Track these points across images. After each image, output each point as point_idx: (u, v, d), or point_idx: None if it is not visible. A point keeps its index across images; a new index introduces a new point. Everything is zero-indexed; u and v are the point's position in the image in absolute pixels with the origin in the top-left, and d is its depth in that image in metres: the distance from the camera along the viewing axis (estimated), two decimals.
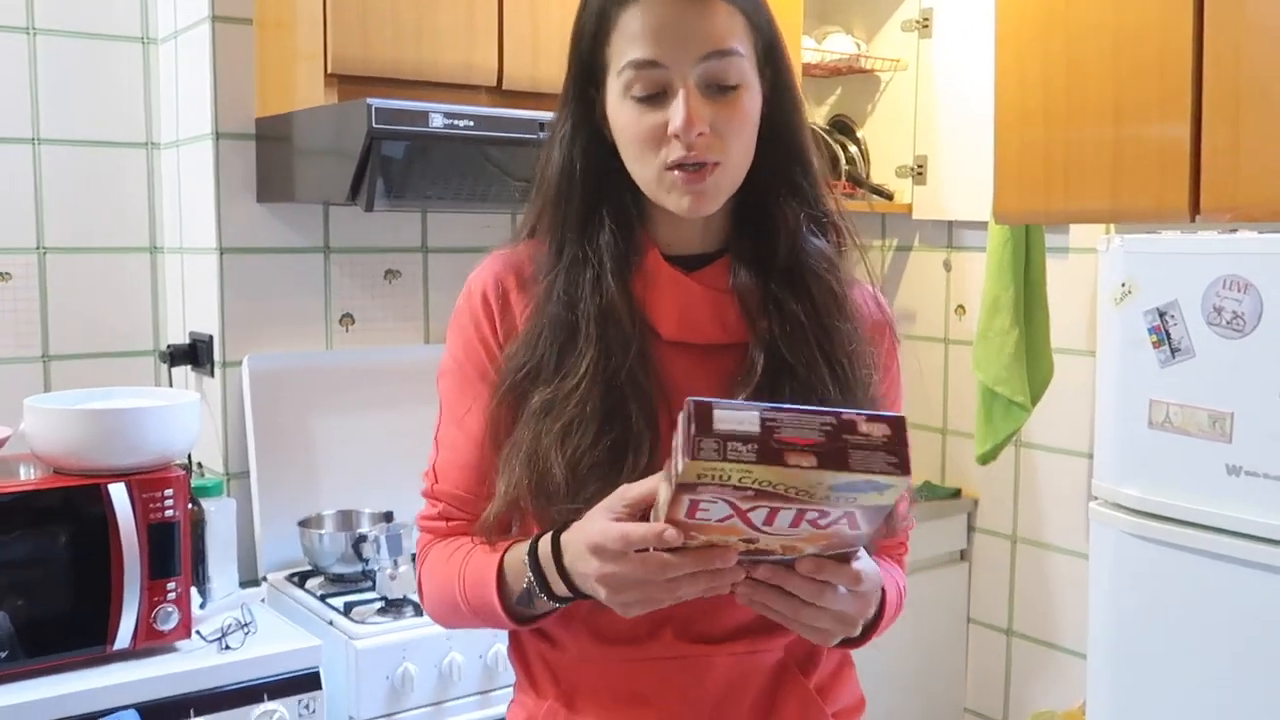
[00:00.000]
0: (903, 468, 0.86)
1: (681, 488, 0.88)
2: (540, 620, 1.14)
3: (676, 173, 1.09)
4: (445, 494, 1.21)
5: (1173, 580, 2.09)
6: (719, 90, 1.08)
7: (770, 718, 1.16)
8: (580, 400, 1.08)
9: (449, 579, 1.18)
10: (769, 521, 0.90)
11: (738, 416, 0.86)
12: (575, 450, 1.07)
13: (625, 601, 0.99)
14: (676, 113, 1.06)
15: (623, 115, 1.11)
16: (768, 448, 0.85)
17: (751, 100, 1.11)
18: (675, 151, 1.08)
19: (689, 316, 1.15)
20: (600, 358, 1.10)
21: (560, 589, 1.06)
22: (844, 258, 1.19)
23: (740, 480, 0.86)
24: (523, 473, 1.09)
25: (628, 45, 1.09)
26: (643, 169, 1.11)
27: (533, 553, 1.08)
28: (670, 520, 0.92)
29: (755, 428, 0.85)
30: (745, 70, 1.10)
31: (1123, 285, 2.15)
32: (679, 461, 0.87)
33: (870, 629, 1.14)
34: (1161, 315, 2.09)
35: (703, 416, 0.85)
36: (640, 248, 1.16)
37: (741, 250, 1.16)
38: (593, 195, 1.15)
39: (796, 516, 0.90)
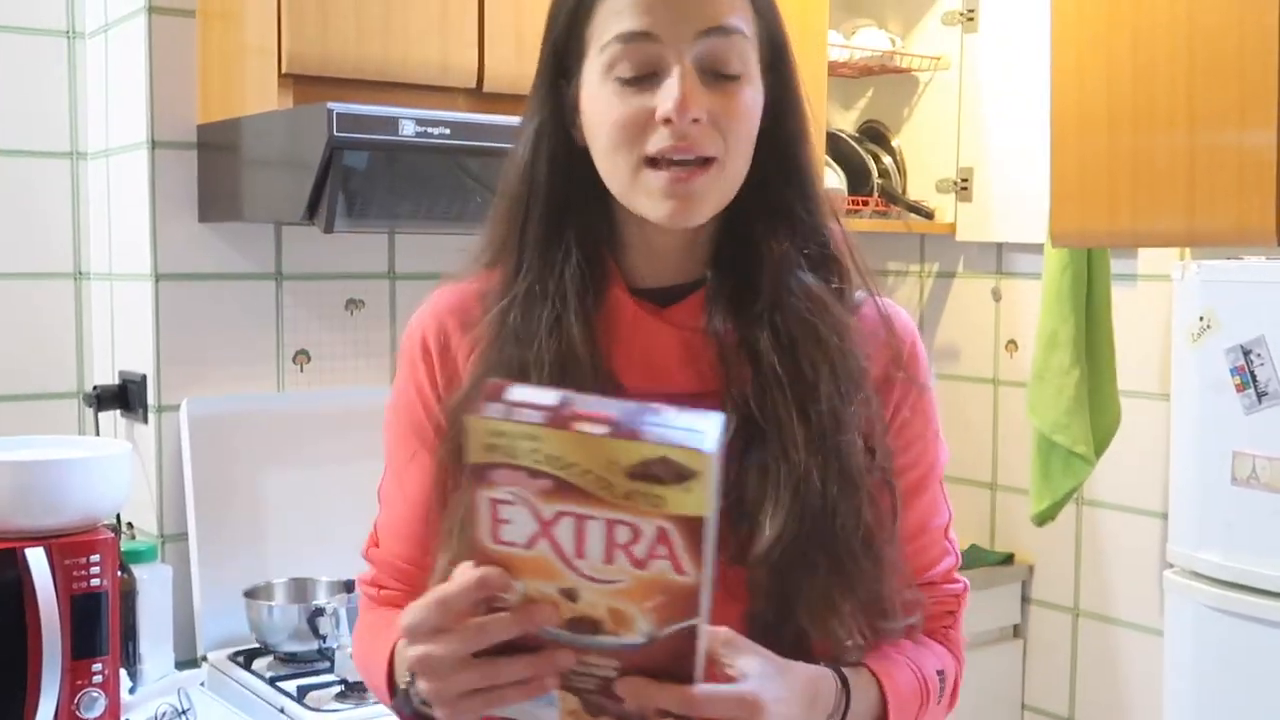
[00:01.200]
0: (700, 442, 0.88)
1: (475, 473, 0.89)
2: None
3: (660, 171, 1.07)
4: (381, 561, 1.24)
5: (1261, 660, 2.10)
6: (719, 78, 1.07)
7: None
8: None
9: (362, 658, 1.21)
10: (579, 548, 0.90)
11: (537, 393, 0.92)
12: None
13: (448, 697, 0.95)
14: (668, 93, 1.05)
15: (600, 100, 1.09)
16: (557, 416, 0.89)
17: (754, 96, 1.10)
18: (661, 140, 1.06)
19: (657, 364, 1.14)
20: None
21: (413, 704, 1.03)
22: (843, 299, 1.17)
23: (532, 457, 0.88)
24: (461, 549, 1.06)
25: (614, 18, 1.07)
26: (616, 164, 1.09)
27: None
28: (477, 546, 0.92)
29: (552, 401, 0.90)
30: (749, 58, 1.09)
31: (1201, 319, 2.17)
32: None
33: None
34: (1246, 354, 2.10)
35: (495, 390, 0.91)
36: (606, 279, 1.15)
37: (720, 285, 1.14)
38: (557, 211, 1.14)
39: (607, 538, 0.90)
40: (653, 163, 1.07)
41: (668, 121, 1.05)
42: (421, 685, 0.96)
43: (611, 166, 1.10)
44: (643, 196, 1.09)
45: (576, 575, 0.91)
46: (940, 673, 1.18)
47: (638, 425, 0.89)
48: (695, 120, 1.05)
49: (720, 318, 1.13)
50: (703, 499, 0.88)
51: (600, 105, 1.09)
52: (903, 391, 1.19)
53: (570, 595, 0.92)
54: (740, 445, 1.09)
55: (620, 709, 0.95)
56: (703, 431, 0.89)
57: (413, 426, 1.20)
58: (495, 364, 1.12)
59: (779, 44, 1.14)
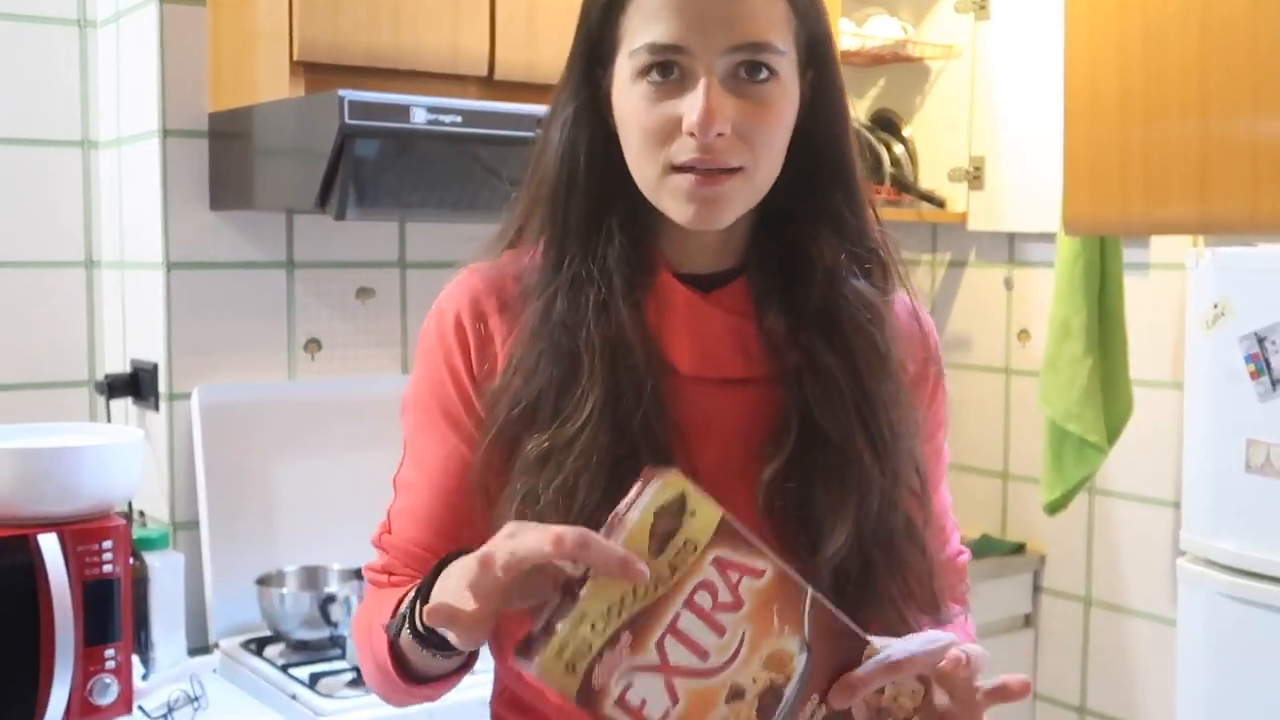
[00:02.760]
0: (660, 473, 0.93)
1: (587, 699, 0.91)
2: (440, 683, 1.11)
3: (685, 175, 1.06)
4: (394, 547, 1.21)
5: (1276, 648, 2.09)
6: (748, 83, 1.06)
7: None
8: (584, 450, 1.06)
9: (363, 632, 1.18)
10: (698, 650, 0.93)
11: (546, 610, 0.94)
12: (579, 511, 1.04)
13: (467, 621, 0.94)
14: (694, 105, 1.04)
15: (630, 101, 1.08)
16: (570, 582, 0.93)
17: (786, 100, 1.09)
18: (686, 151, 1.05)
19: (709, 348, 1.13)
20: (608, 399, 1.07)
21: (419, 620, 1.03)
22: (888, 303, 1.17)
23: (601, 635, 0.90)
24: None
25: (646, 22, 1.07)
26: (644, 166, 1.09)
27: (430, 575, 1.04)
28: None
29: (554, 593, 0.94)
30: (781, 67, 1.08)
31: (1215, 307, 2.16)
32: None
33: None
34: (1260, 341, 2.10)
35: (524, 641, 0.93)
36: (650, 265, 1.14)
37: (765, 281, 1.14)
38: (598, 197, 1.13)
39: (700, 618, 0.93)
40: (678, 168, 1.07)
41: (690, 134, 1.05)
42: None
43: (638, 167, 1.10)
44: (668, 199, 1.09)
45: (721, 673, 0.94)
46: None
47: (614, 524, 0.93)
48: (720, 134, 1.05)
49: (773, 315, 1.13)
50: (709, 507, 0.94)
51: (629, 106, 1.09)
52: (933, 387, 1.22)
53: (738, 694, 0.94)
54: (801, 449, 1.10)
55: None
56: (650, 480, 0.93)
57: (442, 409, 1.17)
58: (545, 351, 1.10)
59: (820, 41, 1.13)
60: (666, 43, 1.05)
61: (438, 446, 1.18)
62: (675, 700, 0.92)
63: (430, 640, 1.03)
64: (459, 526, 1.16)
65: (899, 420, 1.13)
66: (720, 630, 0.93)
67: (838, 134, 1.15)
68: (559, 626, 0.90)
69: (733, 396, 1.13)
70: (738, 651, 0.94)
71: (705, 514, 0.93)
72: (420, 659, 1.07)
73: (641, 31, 1.07)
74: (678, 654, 0.92)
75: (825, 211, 1.15)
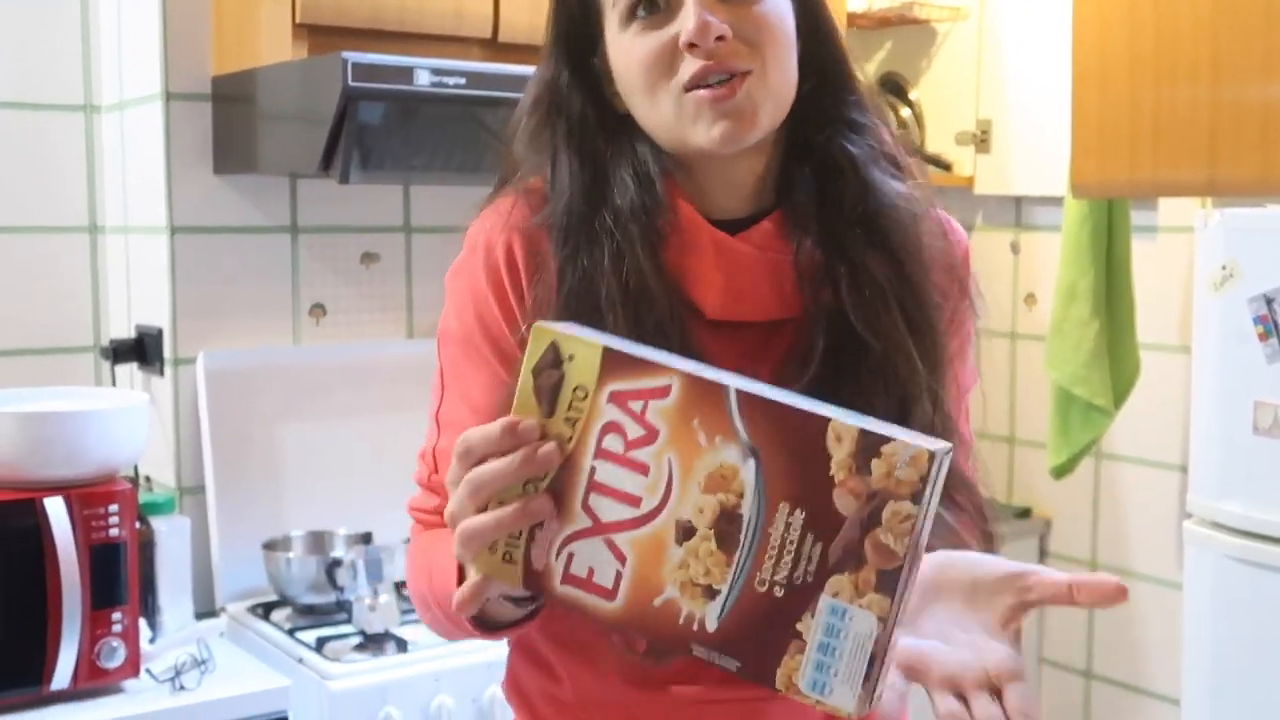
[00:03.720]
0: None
1: (533, 586, 0.86)
2: (513, 628, 1.06)
3: (700, 92, 1.04)
4: (441, 487, 1.11)
5: None
6: None
7: None
8: None
9: (420, 573, 1.14)
10: (616, 495, 0.85)
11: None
12: None
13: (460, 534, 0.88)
14: (688, 17, 1.02)
15: (624, 48, 1.07)
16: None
17: (776, 3, 1.07)
18: (691, 66, 1.03)
19: (738, 288, 1.09)
20: None
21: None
22: (916, 199, 1.14)
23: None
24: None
25: None
26: (657, 105, 1.06)
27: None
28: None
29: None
30: None
31: (1223, 268, 2.15)
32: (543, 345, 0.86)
33: None
34: (1269, 303, 2.09)
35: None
36: (667, 206, 1.10)
37: (798, 209, 1.11)
38: (600, 154, 1.11)
39: (616, 460, 0.85)
40: (690, 89, 1.04)
41: (692, 47, 1.03)
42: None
43: (653, 110, 1.07)
44: (690, 127, 1.05)
45: (660, 515, 0.85)
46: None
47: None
48: (720, 38, 1.02)
49: (809, 242, 1.09)
50: (584, 345, 0.85)
51: (624, 53, 1.07)
52: (958, 299, 1.17)
53: (688, 533, 0.84)
54: (832, 368, 1.06)
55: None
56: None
57: (489, 338, 1.12)
58: (567, 313, 1.07)
59: None
60: None
61: (485, 377, 1.13)
62: (622, 559, 0.85)
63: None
64: None
65: (944, 326, 1.10)
66: (644, 469, 0.84)
67: (832, 39, 1.13)
68: None
69: (768, 342, 1.10)
70: (669, 485, 0.84)
71: (584, 353, 0.85)
72: (495, 611, 1.02)
73: None
74: (607, 510, 0.85)
75: (838, 118, 1.13)
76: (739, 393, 0.83)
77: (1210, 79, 2.31)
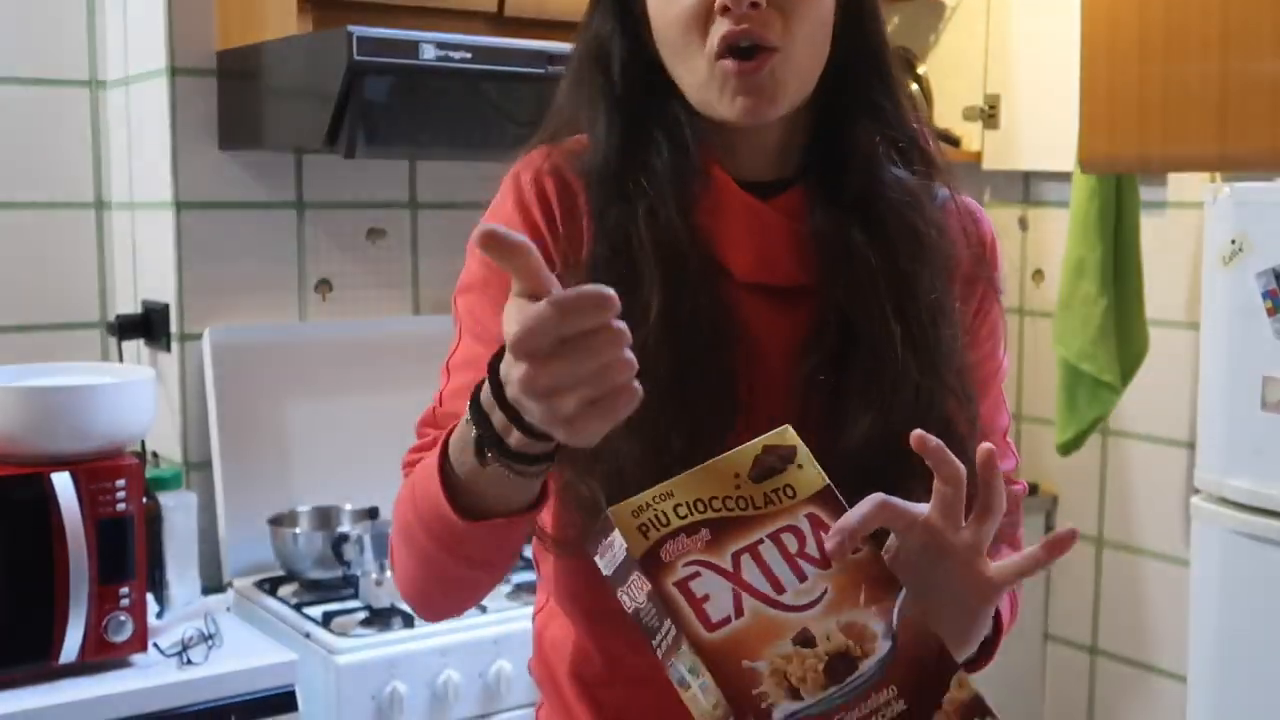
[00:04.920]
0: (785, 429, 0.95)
1: (647, 565, 0.88)
2: (508, 518, 0.98)
3: (727, 63, 1.04)
4: (449, 418, 1.05)
5: None
6: None
7: None
8: (647, 365, 0.94)
9: (403, 501, 1.06)
10: (774, 581, 0.90)
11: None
12: (651, 431, 1.01)
13: (565, 412, 0.81)
14: None
15: (662, 2, 1.07)
16: (675, 477, 0.93)
17: None
18: (722, 28, 1.03)
19: (766, 252, 1.10)
20: (668, 310, 1.04)
21: (514, 436, 0.88)
22: (930, 191, 1.14)
23: (679, 515, 0.90)
24: (682, 654, 0.99)
25: None
26: (688, 66, 1.07)
27: (474, 400, 0.91)
28: (700, 643, 0.87)
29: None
30: None
31: (1233, 243, 2.15)
32: (616, 549, 0.90)
33: (990, 645, 1.08)
34: (1278, 277, 2.08)
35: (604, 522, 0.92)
36: (703, 169, 1.10)
37: (816, 180, 1.12)
38: (639, 111, 1.11)
39: (783, 555, 0.91)
40: (719, 55, 1.04)
41: (725, 10, 1.02)
42: (535, 409, 0.83)
43: (685, 69, 1.08)
44: (715, 95, 1.06)
45: (793, 613, 0.90)
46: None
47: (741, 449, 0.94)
48: (754, 4, 1.02)
49: (821, 213, 1.10)
50: (815, 470, 0.94)
51: (662, 6, 1.07)
52: (985, 290, 1.18)
53: (807, 642, 0.90)
54: (841, 344, 1.08)
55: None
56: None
57: None
58: (597, 260, 1.07)
59: None
60: None
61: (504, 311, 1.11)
62: (740, 613, 0.89)
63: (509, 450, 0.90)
64: None
65: (940, 313, 1.10)
66: (801, 576, 0.91)
67: (872, 20, 1.13)
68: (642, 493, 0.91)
69: (792, 306, 1.10)
70: (816, 602, 0.90)
71: (810, 473, 0.94)
72: (493, 481, 0.95)
73: None
74: (752, 574, 0.90)
75: (862, 101, 1.13)
76: (905, 598, 0.92)
77: (1220, 53, 2.30)
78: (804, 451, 0.94)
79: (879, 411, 1.03)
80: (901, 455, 0.98)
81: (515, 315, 0.81)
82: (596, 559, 0.92)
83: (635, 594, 0.90)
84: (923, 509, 0.95)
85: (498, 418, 0.89)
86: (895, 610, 0.91)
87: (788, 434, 0.95)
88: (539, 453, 0.90)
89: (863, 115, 1.13)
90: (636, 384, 0.83)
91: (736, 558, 0.90)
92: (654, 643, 0.90)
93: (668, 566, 0.89)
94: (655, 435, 1.01)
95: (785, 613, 0.90)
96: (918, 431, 0.93)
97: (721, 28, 1.03)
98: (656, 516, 0.90)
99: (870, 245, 1.09)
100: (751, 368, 1.08)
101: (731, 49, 1.04)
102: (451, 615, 1.17)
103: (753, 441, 0.94)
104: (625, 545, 0.89)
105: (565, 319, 0.79)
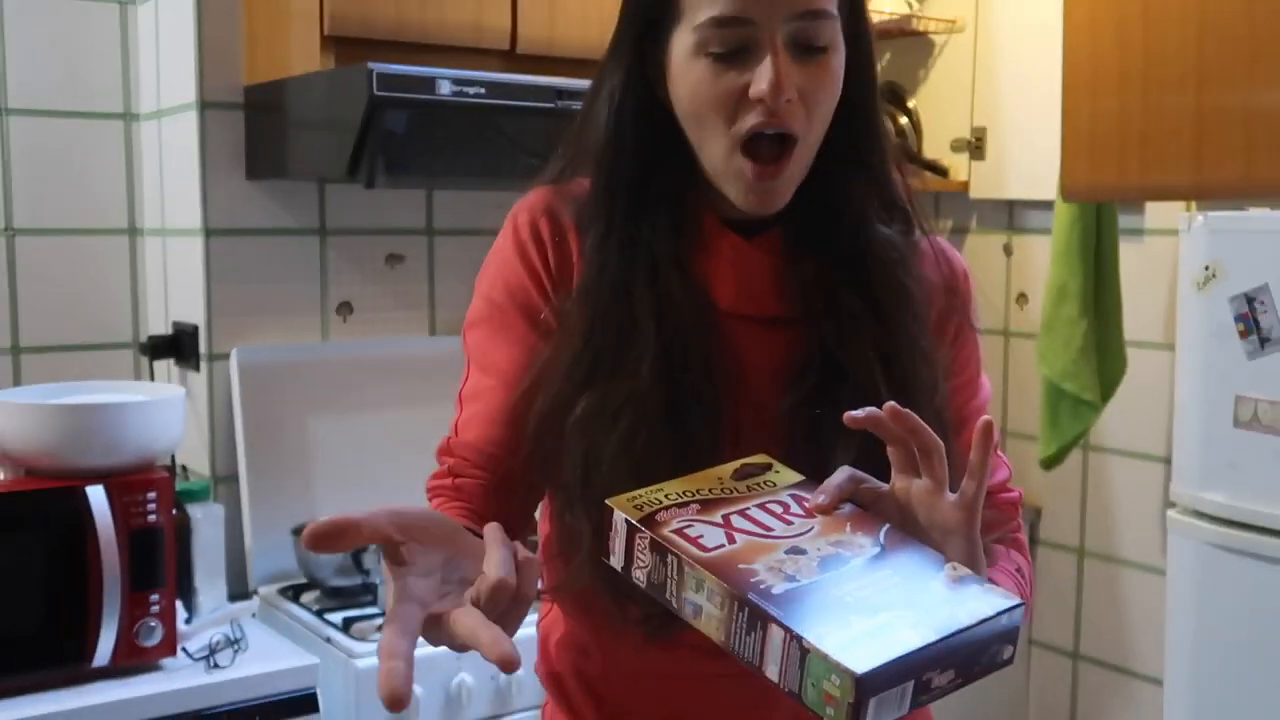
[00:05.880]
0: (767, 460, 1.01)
1: (646, 523, 0.93)
2: None
3: (749, 162, 1.06)
4: (461, 446, 1.14)
5: (1262, 597, 2.09)
6: (807, 51, 1.05)
7: None
8: (640, 405, 1.06)
9: None
10: (755, 523, 0.95)
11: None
12: (640, 457, 1.04)
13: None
14: (764, 74, 1.03)
15: (692, 75, 1.06)
16: (665, 484, 0.99)
17: (839, 64, 1.08)
18: (754, 117, 1.04)
19: (751, 287, 1.13)
20: (662, 357, 1.07)
21: None
22: (913, 246, 1.16)
23: (671, 499, 0.96)
24: (577, 488, 1.07)
25: None
26: (711, 140, 1.08)
27: None
28: (696, 558, 0.90)
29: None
30: (835, 33, 1.07)
31: (1206, 268, 2.15)
32: (618, 538, 0.95)
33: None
34: (1250, 301, 2.08)
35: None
36: (694, 213, 1.13)
37: (800, 228, 1.13)
38: (647, 166, 1.12)
39: (770, 514, 0.96)
40: (745, 148, 1.06)
41: (760, 101, 1.04)
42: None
43: (703, 142, 1.09)
44: (729, 182, 1.08)
45: (783, 539, 0.93)
46: (1019, 570, 1.16)
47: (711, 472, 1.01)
48: (788, 100, 1.04)
49: (806, 259, 1.12)
50: (792, 472, 1.01)
51: (693, 79, 1.07)
52: (959, 322, 1.20)
53: (798, 551, 0.92)
54: (823, 383, 1.09)
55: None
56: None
57: (520, 307, 1.14)
58: (599, 315, 1.09)
59: (859, 10, 1.12)
60: (732, 15, 1.03)
61: (513, 347, 1.14)
62: (733, 541, 0.92)
63: None
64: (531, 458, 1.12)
65: (921, 360, 1.12)
66: (788, 523, 0.95)
67: (870, 89, 1.14)
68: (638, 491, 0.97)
69: (773, 334, 1.12)
70: (805, 532, 0.94)
71: (787, 474, 1.00)
72: None
73: (705, 4, 1.05)
74: (742, 524, 0.94)
75: (857, 159, 1.14)
76: (889, 527, 0.96)
77: (1195, 88, 2.30)
78: (778, 465, 1.00)
79: (861, 445, 1.03)
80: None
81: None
82: (609, 559, 0.96)
83: (643, 559, 0.93)
84: (886, 486, 0.99)
85: None
86: (880, 530, 0.95)
87: (763, 457, 1.02)
88: None
89: (853, 172, 1.14)
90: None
91: (727, 517, 0.95)
92: (666, 595, 0.92)
93: (663, 524, 0.93)
94: (646, 467, 1.03)
95: (776, 539, 0.93)
96: (891, 403, 0.95)
97: (751, 119, 1.05)
98: (650, 500, 0.95)
99: (857, 295, 1.11)
100: (736, 393, 1.09)
101: (755, 138, 1.05)
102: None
103: (732, 462, 1.00)
104: (625, 518, 0.93)
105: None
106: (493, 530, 0.87)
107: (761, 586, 0.87)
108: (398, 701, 0.77)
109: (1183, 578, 2.22)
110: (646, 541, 0.92)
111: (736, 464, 1.00)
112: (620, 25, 1.13)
